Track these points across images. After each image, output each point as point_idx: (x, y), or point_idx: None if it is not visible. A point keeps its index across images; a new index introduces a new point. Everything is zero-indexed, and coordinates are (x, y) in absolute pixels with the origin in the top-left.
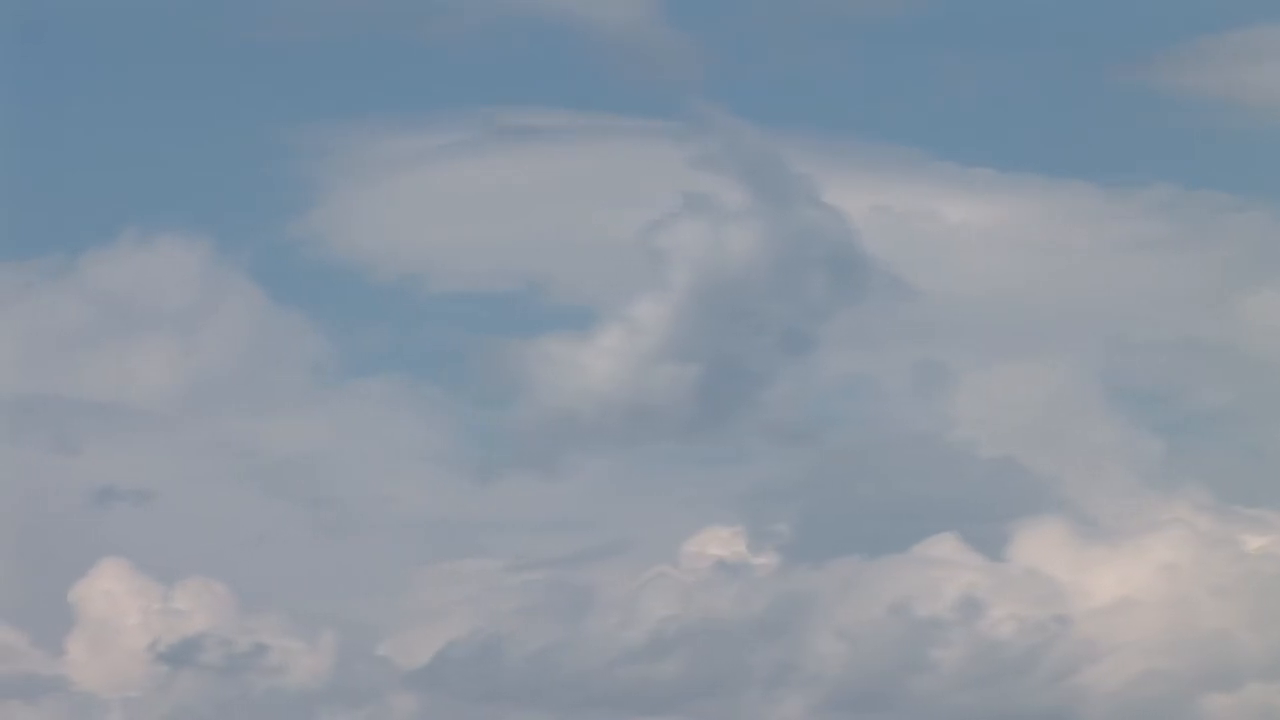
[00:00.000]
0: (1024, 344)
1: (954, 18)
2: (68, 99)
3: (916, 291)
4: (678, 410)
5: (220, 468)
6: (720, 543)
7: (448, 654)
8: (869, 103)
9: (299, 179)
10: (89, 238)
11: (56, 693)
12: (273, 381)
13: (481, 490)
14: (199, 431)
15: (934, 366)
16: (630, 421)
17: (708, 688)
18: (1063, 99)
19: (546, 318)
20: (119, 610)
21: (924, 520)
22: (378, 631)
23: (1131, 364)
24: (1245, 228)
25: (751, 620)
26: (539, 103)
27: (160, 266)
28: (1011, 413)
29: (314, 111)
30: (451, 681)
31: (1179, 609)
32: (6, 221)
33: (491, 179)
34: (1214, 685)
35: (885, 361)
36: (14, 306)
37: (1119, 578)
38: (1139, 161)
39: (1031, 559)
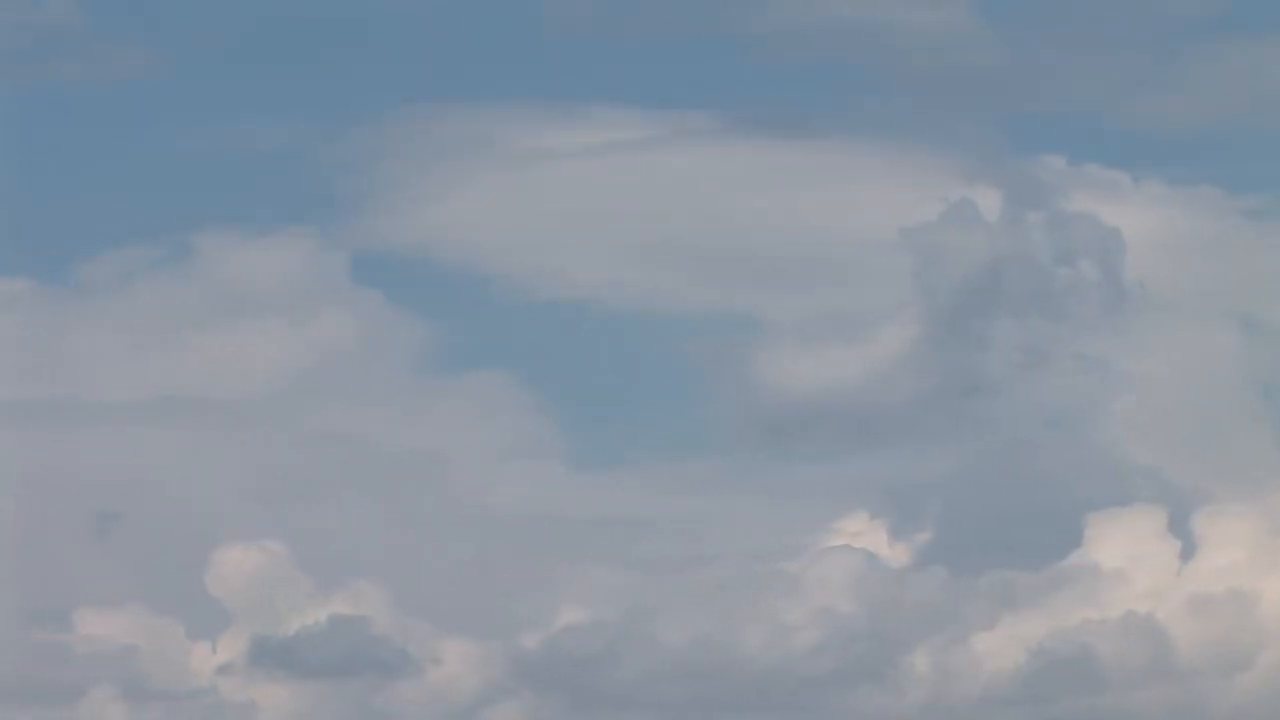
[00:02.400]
0: None
1: None
2: (181, 86)
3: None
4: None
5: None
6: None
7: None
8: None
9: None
10: (199, 228)
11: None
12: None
13: (608, 487)
14: (306, 424)
15: None
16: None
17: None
18: None
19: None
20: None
21: None
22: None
23: None
24: None
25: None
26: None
27: (268, 259)
28: None
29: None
30: (569, 680)
31: None
32: (112, 210)
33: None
34: None
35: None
36: (114, 298)
37: None
38: None
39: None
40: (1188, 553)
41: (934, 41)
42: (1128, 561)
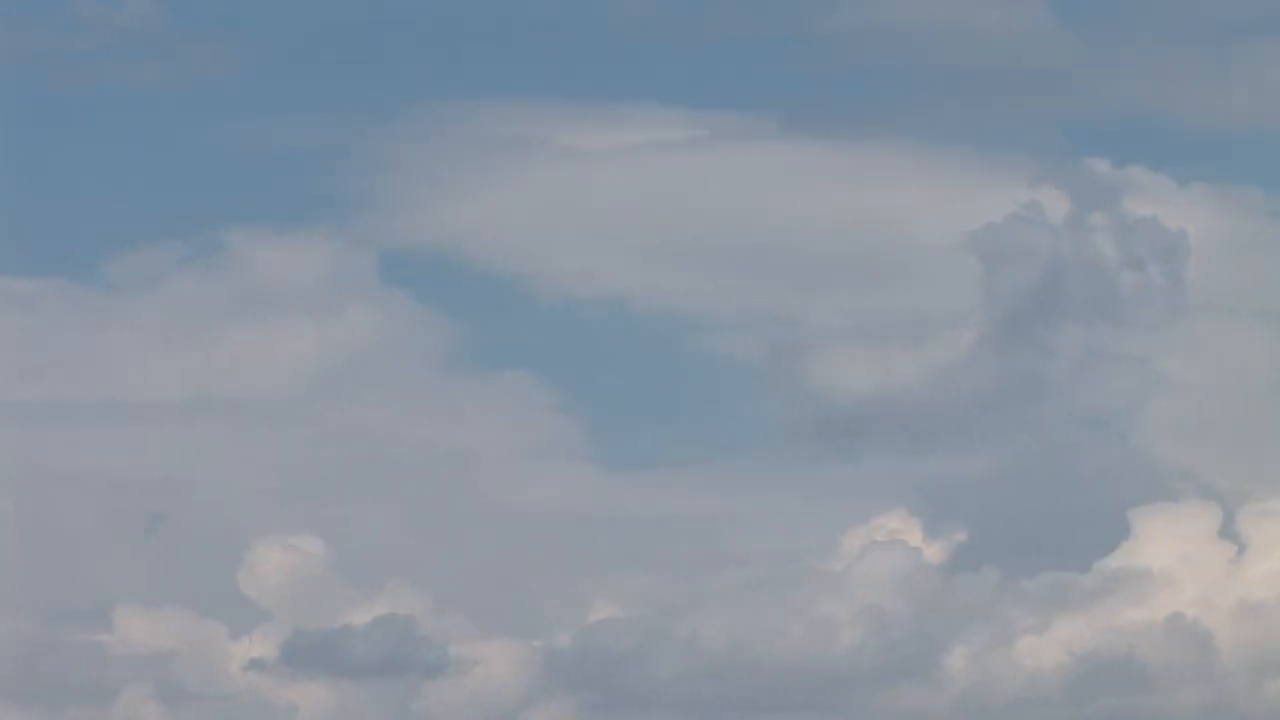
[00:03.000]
0: None
1: None
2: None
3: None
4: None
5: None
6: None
7: (610, 651)
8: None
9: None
10: (230, 225)
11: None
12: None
13: (641, 487)
14: (334, 422)
15: None
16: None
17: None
18: None
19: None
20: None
21: None
22: (547, 627)
23: None
24: None
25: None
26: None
27: (294, 256)
28: None
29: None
30: (605, 679)
31: None
32: (142, 208)
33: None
34: None
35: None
36: (145, 294)
37: None
38: None
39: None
40: (1235, 554)
41: (998, 43)
42: (1174, 562)
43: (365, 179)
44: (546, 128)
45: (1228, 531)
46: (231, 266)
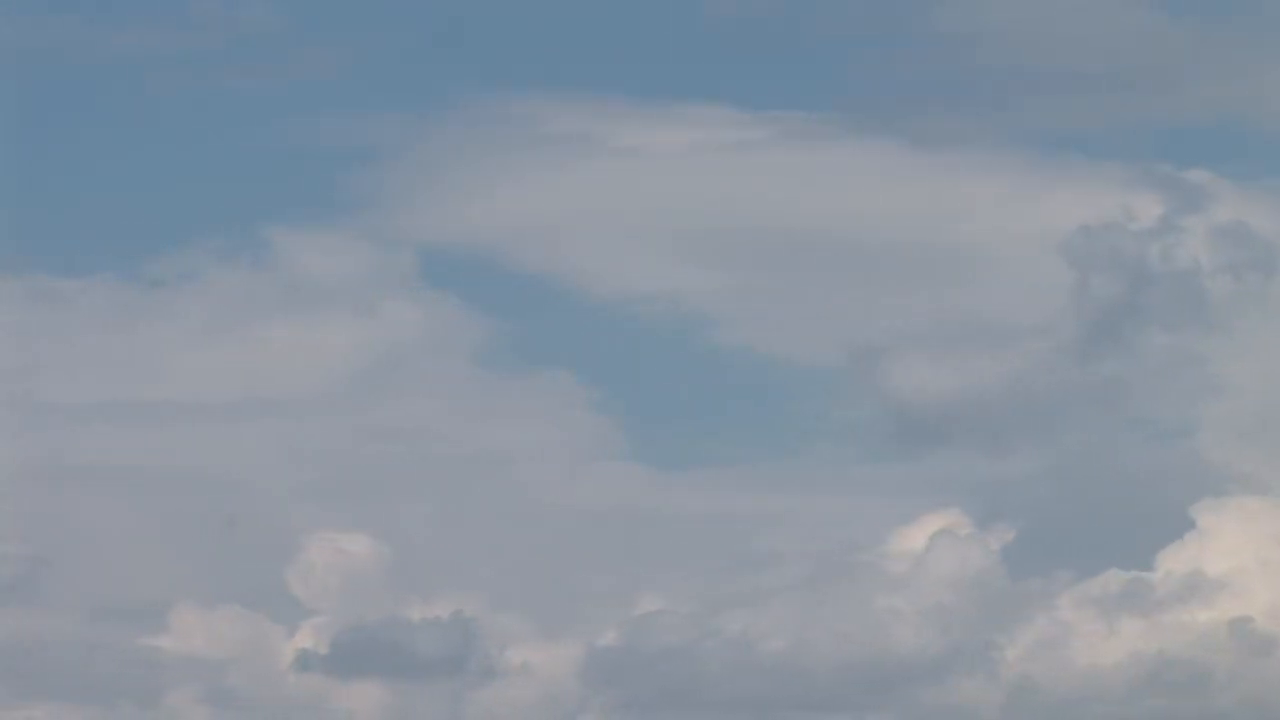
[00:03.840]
0: None
1: None
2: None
3: None
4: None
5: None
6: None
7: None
8: None
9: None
10: (272, 221)
11: None
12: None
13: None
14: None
15: None
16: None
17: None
18: None
19: None
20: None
21: None
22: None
23: None
24: None
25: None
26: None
27: (337, 253)
28: None
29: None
30: (653, 677)
31: None
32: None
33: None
34: None
35: None
36: (189, 290)
37: None
38: None
39: None
40: None
41: (1093, 45)
42: (1240, 565)
43: (413, 176)
44: (607, 126)
45: None
46: (275, 263)
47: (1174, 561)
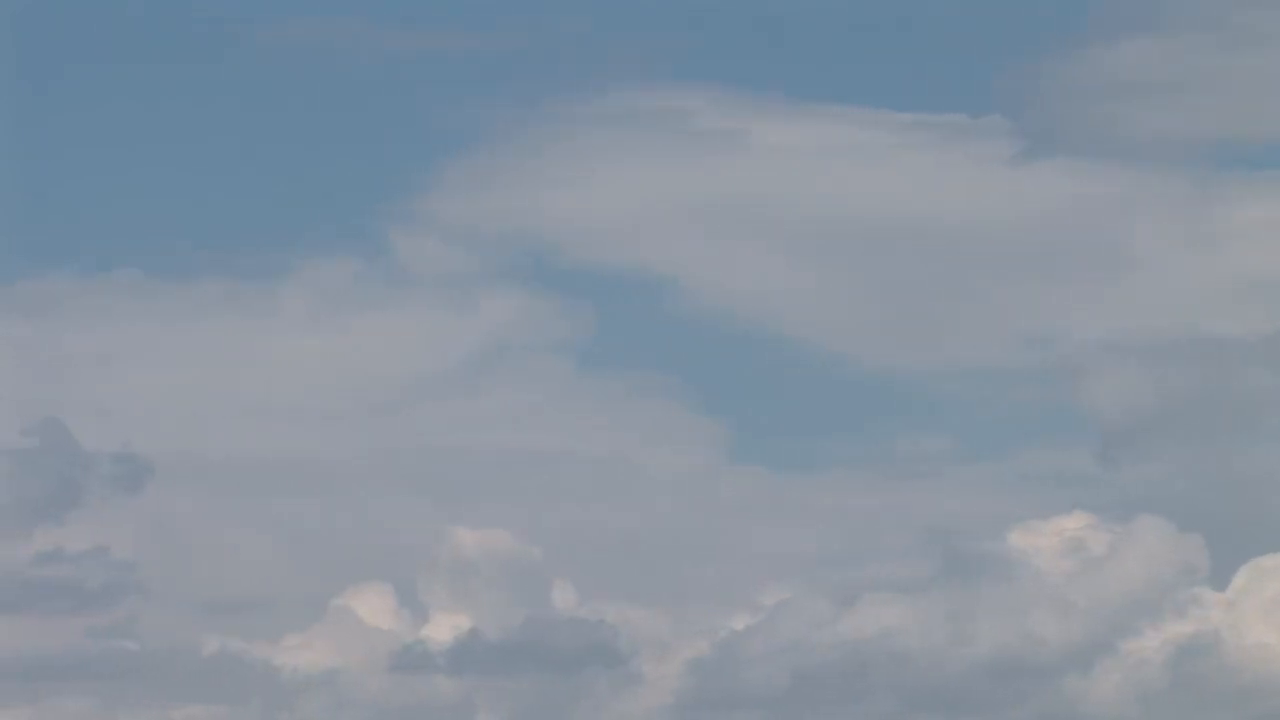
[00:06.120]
0: None
1: None
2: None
3: None
4: None
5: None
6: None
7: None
8: None
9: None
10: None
11: None
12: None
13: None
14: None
15: None
16: None
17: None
18: None
19: None
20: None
21: None
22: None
23: None
24: None
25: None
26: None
27: (421, 249)
28: None
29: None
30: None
31: None
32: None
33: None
34: None
35: None
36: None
37: None
38: None
39: None
40: None
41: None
42: None
43: (522, 166)
44: (743, 122)
45: None
46: (372, 255)
47: None
